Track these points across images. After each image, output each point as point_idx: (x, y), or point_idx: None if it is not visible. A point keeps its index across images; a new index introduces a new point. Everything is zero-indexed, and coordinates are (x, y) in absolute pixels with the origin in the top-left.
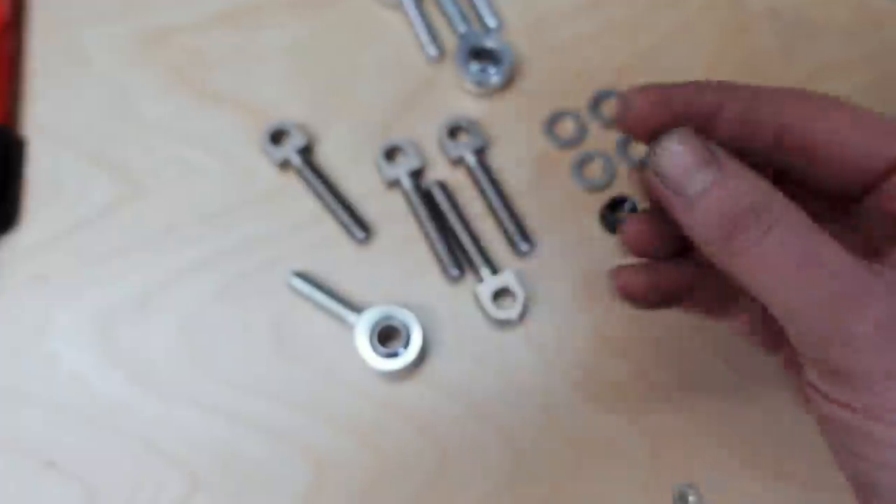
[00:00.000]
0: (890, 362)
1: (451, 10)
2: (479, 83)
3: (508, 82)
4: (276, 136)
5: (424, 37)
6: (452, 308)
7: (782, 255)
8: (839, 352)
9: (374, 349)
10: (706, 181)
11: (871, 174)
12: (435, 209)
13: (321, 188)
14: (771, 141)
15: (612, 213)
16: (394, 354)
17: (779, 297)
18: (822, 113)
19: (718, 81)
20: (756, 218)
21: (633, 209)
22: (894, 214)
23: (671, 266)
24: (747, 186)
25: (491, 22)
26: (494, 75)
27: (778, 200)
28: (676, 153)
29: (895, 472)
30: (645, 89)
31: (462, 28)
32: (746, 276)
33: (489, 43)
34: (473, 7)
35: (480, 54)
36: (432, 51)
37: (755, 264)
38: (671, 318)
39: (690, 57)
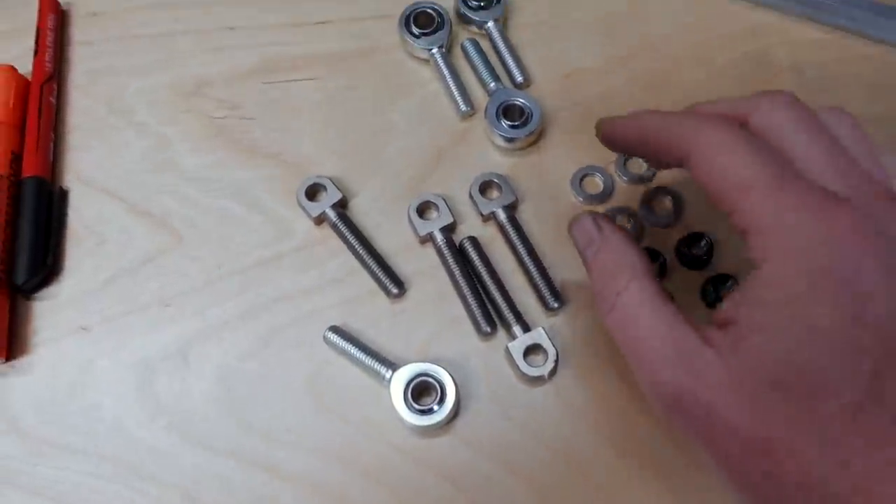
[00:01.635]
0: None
1: (481, 66)
2: (510, 139)
3: (538, 138)
4: (312, 191)
5: (456, 92)
6: (485, 363)
7: (639, 312)
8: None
9: (409, 405)
10: (593, 252)
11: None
12: (467, 265)
13: (356, 243)
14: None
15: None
16: (428, 411)
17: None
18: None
19: (644, 112)
20: (614, 279)
21: (662, 263)
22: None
23: None
24: (616, 256)
25: (520, 78)
26: (524, 131)
27: (634, 266)
28: (580, 231)
29: None
30: (600, 123)
31: (492, 84)
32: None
33: (519, 100)
34: (503, 63)
35: (510, 111)
36: (464, 106)
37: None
38: None
39: None
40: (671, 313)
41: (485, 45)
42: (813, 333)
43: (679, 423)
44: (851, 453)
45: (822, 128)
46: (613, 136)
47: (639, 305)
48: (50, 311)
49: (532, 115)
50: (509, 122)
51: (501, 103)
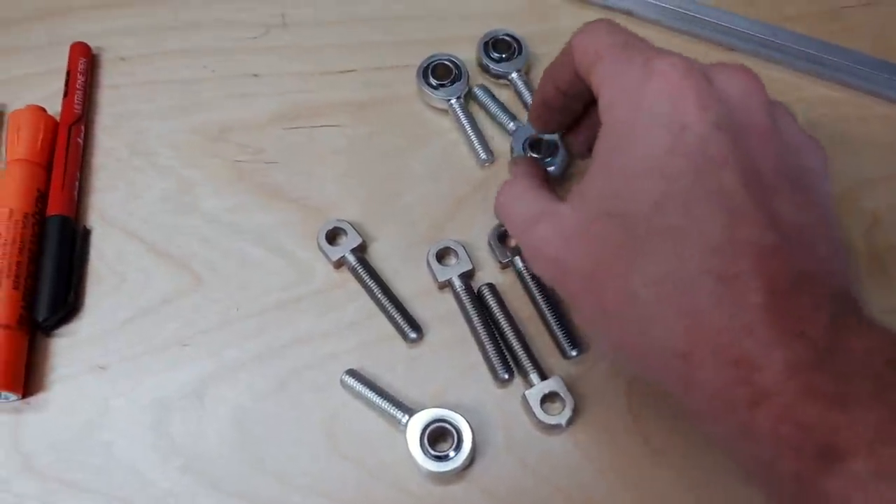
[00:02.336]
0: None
1: (496, 108)
2: None
3: (563, 173)
4: (332, 235)
5: (476, 142)
6: (501, 410)
7: (516, 194)
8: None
9: (425, 451)
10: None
11: None
12: (485, 311)
13: (374, 287)
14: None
15: None
16: (445, 457)
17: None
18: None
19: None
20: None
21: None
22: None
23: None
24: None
25: None
26: (551, 165)
27: (520, 172)
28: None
29: None
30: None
31: (511, 124)
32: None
33: (547, 135)
34: (525, 105)
35: (537, 145)
36: (484, 155)
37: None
38: None
39: None
40: (541, 192)
41: (509, 95)
42: (631, 165)
43: (548, 277)
44: (660, 272)
45: None
46: (540, 110)
47: (516, 195)
48: (68, 349)
49: (557, 150)
50: (535, 157)
51: (527, 138)
